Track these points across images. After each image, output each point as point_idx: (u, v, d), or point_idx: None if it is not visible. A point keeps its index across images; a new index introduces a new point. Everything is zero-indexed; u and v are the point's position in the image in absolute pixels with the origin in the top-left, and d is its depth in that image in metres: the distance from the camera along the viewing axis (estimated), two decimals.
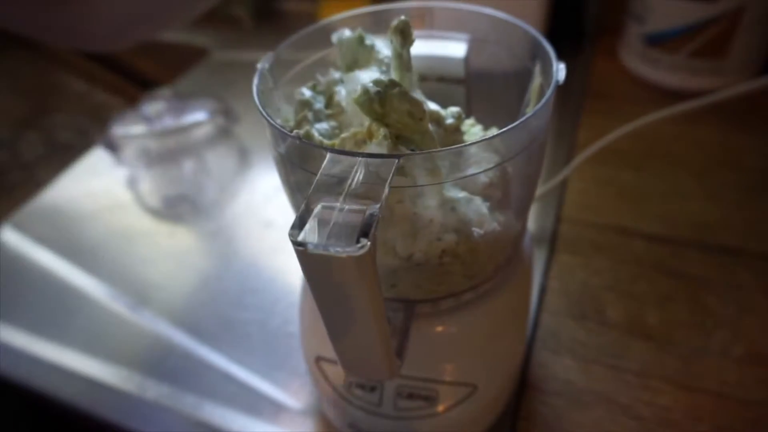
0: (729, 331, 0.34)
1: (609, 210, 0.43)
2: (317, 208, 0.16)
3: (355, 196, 0.16)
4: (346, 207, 0.16)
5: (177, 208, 0.51)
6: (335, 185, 0.17)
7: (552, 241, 0.42)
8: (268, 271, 0.44)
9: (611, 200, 0.44)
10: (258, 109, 0.21)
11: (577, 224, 0.43)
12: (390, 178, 0.17)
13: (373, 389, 0.27)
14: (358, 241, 0.15)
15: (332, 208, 0.16)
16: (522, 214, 0.26)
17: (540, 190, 0.41)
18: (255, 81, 0.22)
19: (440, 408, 0.27)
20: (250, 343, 0.38)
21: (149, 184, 0.53)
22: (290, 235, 0.16)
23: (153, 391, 0.36)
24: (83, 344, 0.39)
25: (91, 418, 0.35)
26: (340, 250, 0.15)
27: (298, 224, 0.16)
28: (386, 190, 0.16)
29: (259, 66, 0.23)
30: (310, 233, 0.16)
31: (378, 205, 0.16)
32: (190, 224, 0.49)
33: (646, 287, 0.37)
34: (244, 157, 0.56)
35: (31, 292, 0.44)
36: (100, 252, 0.46)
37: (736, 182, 0.44)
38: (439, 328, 0.26)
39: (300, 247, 0.16)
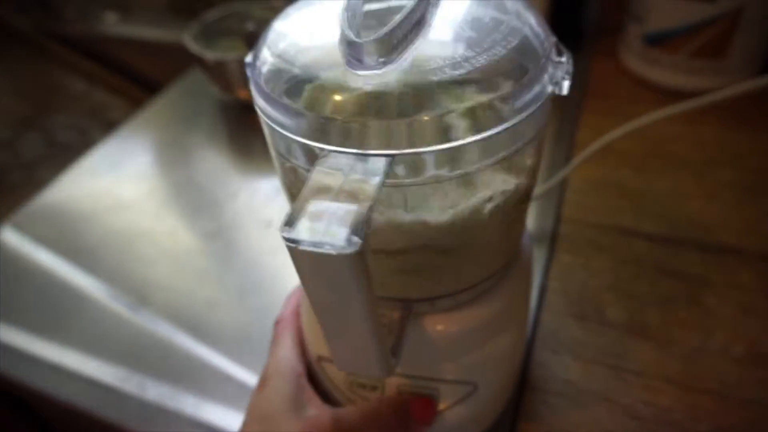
0: (729, 331, 0.34)
1: (609, 210, 0.43)
2: (310, 206, 0.16)
3: (349, 193, 0.16)
4: (339, 204, 0.16)
5: (177, 208, 0.51)
6: (329, 183, 0.17)
7: (552, 241, 0.42)
8: (268, 271, 0.44)
9: (611, 200, 0.44)
10: (255, 105, 0.21)
11: (577, 224, 0.43)
12: (383, 175, 0.17)
13: (374, 388, 0.27)
14: (350, 239, 0.15)
15: (325, 206, 0.16)
16: (518, 215, 0.26)
17: (540, 189, 0.41)
18: (248, 75, 0.22)
19: (441, 406, 0.27)
20: (250, 343, 0.38)
21: (149, 184, 0.53)
22: (282, 231, 0.16)
23: (153, 391, 0.36)
24: (83, 344, 0.39)
25: (91, 418, 0.35)
26: (332, 248, 0.15)
27: (290, 221, 0.16)
28: (379, 188, 0.16)
29: (247, 61, 0.23)
30: (302, 230, 0.16)
31: (370, 203, 0.16)
32: (190, 224, 0.49)
33: (646, 287, 0.37)
34: (244, 157, 0.56)
35: (31, 292, 0.44)
36: (100, 252, 0.46)
37: (736, 182, 0.44)
38: (439, 327, 0.26)
39: (292, 244, 0.16)
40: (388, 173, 0.17)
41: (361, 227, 0.15)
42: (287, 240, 0.16)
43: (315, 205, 0.16)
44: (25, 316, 0.41)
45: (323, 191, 0.16)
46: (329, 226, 0.15)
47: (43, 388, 0.37)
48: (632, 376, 0.33)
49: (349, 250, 0.15)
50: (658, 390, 0.32)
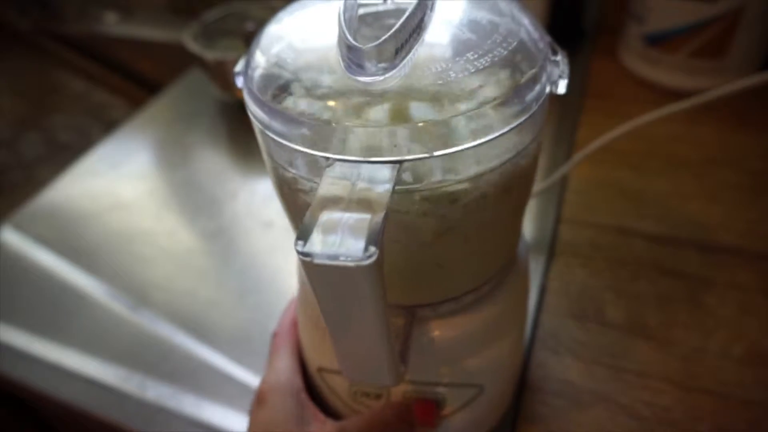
0: (729, 331, 0.34)
1: (609, 210, 0.43)
2: (321, 217, 0.16)
3: (359, 202, 0.16)
4: (351, 215, 0.16)
5: (177, 208, 0.51)
6: (338, 193, 0.16)
7: (552, 242, 0.42)
8: (268, 271, 0.44)
9: (611, 200, 0.44)
10: (250, 115, 0.21)
11: (577, 224, 0.43)
12: (392, 182, 0.17)
13: (378, 396, 0.27)
14: (366, 250, 0.15)
15: (337, 217, 0.16)
16: (517, 214, 0.26)
17: (539, 187, 0.41)
18: (240, 85, 0.22)
19: (447, 410, 0.27)
20: (250, 343, 0.38)
21: (149, 184, 0.53)
22: (296, 246, 0.15)
23: (153, 391, 0.36)
24: (83, 344, 0.39)
25: (91, 418, 0.35)
26: (349, 260, 0.15)
27: (303, 235, 0.15)
28: (390, 195, 0.16)
29: (236, 70, 0.22)
30: (316, 243, 0.15)
31: (384, 212, 0.16)
32: (190, 224, 0.49)
33: (646, 287, 0.37)
34: (244, 157, 0.56)
35: (31, 292, 0.44)
36: (100, 252, 0.46)
37: (736, 182, 0.44)
38: (443, 332, 0.26)
39: (306, 258, 0.15)
40: (396, 180, 0.17)
41: (377, 237, 0.15)
42: (301, 254, 0.15)
43: (327, 217, 0.16)
44: (25, 316, 0.41)
45: (333, 202, 0.16)
46: (344, 238, 0.15)
47: (43, 388, 0.37)
48: (632, 376, 0.33)
49: (367, 262, 0.15)
50: (658, 390, 0.32)
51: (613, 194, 0.45)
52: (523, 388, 0.33)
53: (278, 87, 0.20)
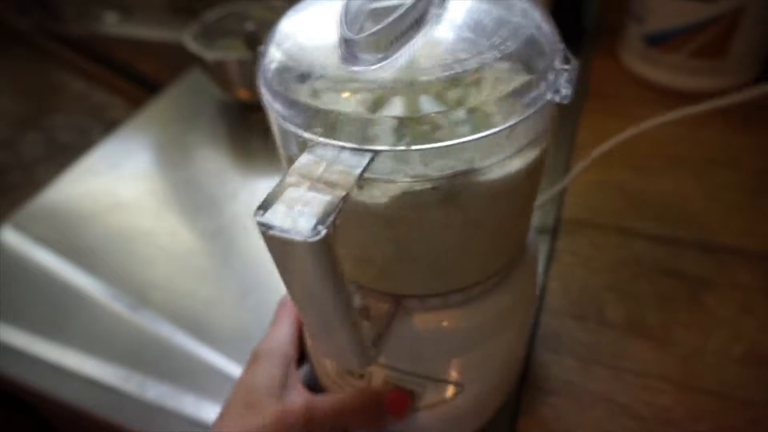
0: (729, 331, 0.34)
1: (609, 210, 0.43)
2: (287, 192, 0.17)
3: (327, 183, 0.17)
4: (314, 194, 0.16)
5: (177, 208, 0.51)
6: (310, 171, 0.17)
7: (552, 241, 0.42)
8: (268, 271, 0.43)
9: (611, 200, 0.44)
10: (260, 95, 0.21)
11: (577, 224, 0.43)
12: (362, 169, 0.17)
13: (361, 376, 0.28)
14: (315, 228, 0.16)
15: (300, 193, 0.17)
16: (517, 217, 0.26)
17: (540, 193, 0.41)
18: (258, 64, 0.22)
19: (423, 404, 0.27)
20: (250, 343, 0.38)
21: (149, 184, 0.54)
22: (255, 214, 0.16)
23: (153, 391, 0.36)
24: (83, 344, 0.39)
25: (91, 417, 0.35)
26: (297, 235, 0.16)
27: (265, 205, 0.16)
28: (356, 180, 0.17)
29: (260, 49, 0.23)
30: (274, 216, 0.16)
31: (344, 194, 0.16)
32: (190, 224, 0.49)
33: (646, 287, 0.37)
34: (244, 157, 0.56)
35: (31, 292, 0.44)
36: (100, 252, 0.46)
37: (737, 183, 0.44)
38: (426, 325, 0.26)
39: (261, 228, 0.16)
40: (369, 167, 0.18)
41: (329, 217, 0.16)
42: (259, 224, 0.16)
43: (291, 192, 0.17)
44: (25, 316, 0.41)
45: (303, 178, 0.17)
46: (300, 214, 0.16)
47: (43, 388, 0.37)
48: (632, 376, 0.33)
49: (314, 239, 0.15)
50: (658, 390, 0.32)
51: (613, 194, 0.45)
52: (523, 387, 0.33)
53: (287, 74, 0.20)
